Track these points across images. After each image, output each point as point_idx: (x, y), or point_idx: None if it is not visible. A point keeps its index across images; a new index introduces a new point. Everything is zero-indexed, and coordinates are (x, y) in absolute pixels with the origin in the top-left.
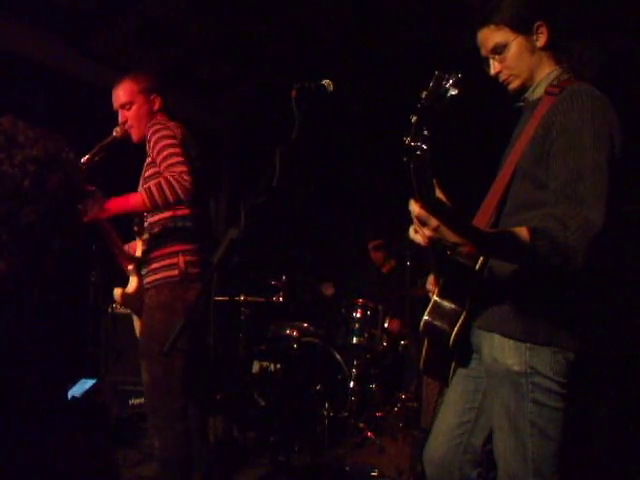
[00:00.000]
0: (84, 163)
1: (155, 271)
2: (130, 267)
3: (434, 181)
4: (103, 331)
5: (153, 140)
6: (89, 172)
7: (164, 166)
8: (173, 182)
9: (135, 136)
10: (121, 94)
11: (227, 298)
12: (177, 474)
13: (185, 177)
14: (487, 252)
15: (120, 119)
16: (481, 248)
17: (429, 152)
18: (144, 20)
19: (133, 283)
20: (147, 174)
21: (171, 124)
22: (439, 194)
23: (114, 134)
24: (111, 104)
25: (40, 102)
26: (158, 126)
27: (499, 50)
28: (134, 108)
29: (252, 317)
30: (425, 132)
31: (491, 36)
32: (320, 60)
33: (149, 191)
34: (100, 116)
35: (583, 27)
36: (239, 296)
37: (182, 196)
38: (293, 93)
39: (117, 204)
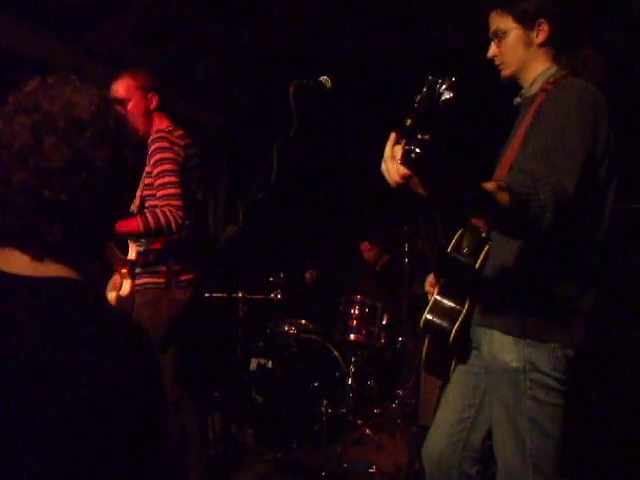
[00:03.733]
0: None
1: (143, 275)
2: (124, 270)
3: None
4: None
5: (155, 158)
6: None
7: (161, 194)
8: (169, 216)
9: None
10: (118, 90)
11: (225, 295)
12: (173, 466)
13: (180, 213)
14: (457, 207)
15: None
16: (451, 202)
17: (424, 156)
18: (142, 17)
19: (127, 286)
20: (146, 182)
21: (176, 138)
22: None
23: None
24: None
25: None
26: (164, 143)
27: (499, 35)
28: (130, 105)
29: (250, 314)
30: (419, 136)
31: (495, 20)
32: (319, 57)
33: (146, 219)
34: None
35: (588, 28)
36: (237, 293)
37: (174, 230)
38: (291, 90)
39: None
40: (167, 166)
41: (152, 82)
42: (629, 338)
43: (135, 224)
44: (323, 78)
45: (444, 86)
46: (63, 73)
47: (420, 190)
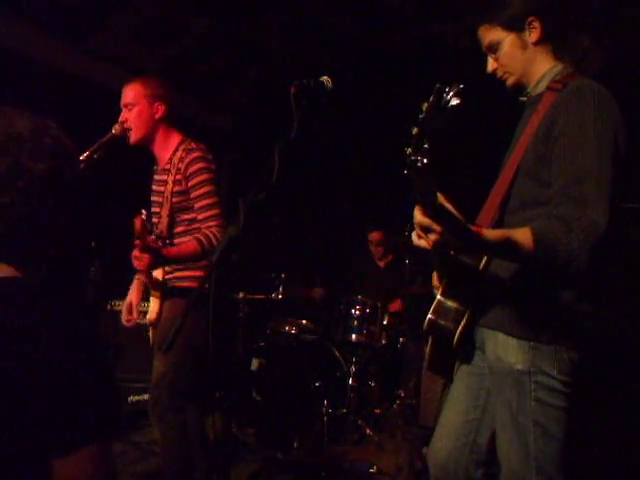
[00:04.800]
0: (83, 160)
1: (184, 279)
2: (156, 293)
3: (437, 191)
4: (101, 329)
5: (196, 180)
6: (88, 169)
7: (207, 214)
8: (219, 236)
9: (132, 138)
10: (127, 94)
11: (226, 295)
12: (178, 463)
13: (221, 231)
14: (490, 255)
15: (120, 117)
16: (484, 252)
17: (430, 165)
18: (143, 17)
19: (153, 309)
20: (175, 200)
21: (207, 154)
22: (443, 201)
23: (113, 132)
24: (110, 101)
25: (38, 99)
26: (204, 164)
27: (493, 48)
28: (135, 111)
29: (251, 314)
30: (426, 145)
31: (485, 35)
32: (319, 56)
33: (201, 243)
34: (99, 113)
35: (584, 19)
36: (238, 293)
37: None
38: (292, 90)
39: (174, 252)
40: (209, 187)
41: (163, 92)
42: (630, 338)
43: (192, 247)
44: (324, 78)
45: (451, 93)
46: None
47: (455, 243)
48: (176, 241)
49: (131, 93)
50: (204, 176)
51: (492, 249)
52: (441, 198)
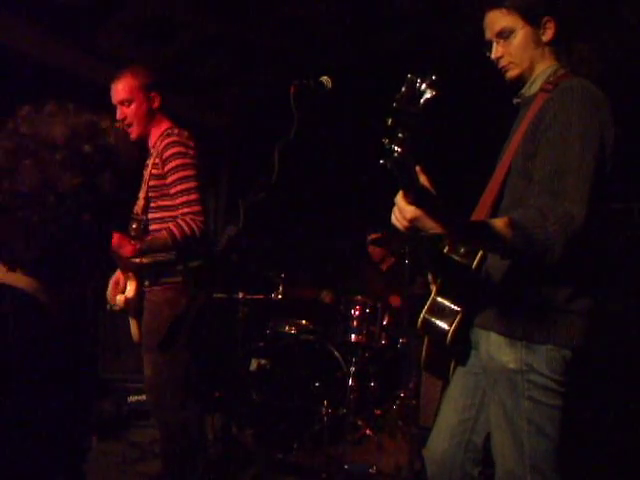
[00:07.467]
0: None
1: (160, 274)
2: (129, 272)
3: (417, 177)
4: (101, 329)
5: (172, 165)
6: None
7: (181, 200)
8: (192, 224)
9: (133, 134)
10: (120, 90)
11: (225, 295)
12: (180, 465)
13: (201, 217)
14: (465, 242)
15: (118, 115)
16: (462, 240)
17: (405, 154)
18: (143, 17)
19: (131, 288)
20: (152, 183)
21: (187, 140)
22: (424, 183)
23: None
24: (109, 101)
25: (37, 99)
26: (180, 148)
27: (505, 35)
28: (133, 106)
29: (250, 314)
30: (400, 135)
31: (500, 19)
32: (319, 57)
33: (172, 232)
34: (98, 113)
35: (585, 26)
36: (237, 293)
37: (197, 235)
38: (292, 90)
39: (147, 244)
40: (186, 172)
41: (153, 80)
42: (629, 338)
43: (162, 238)
44: (324, 78)
45: (424, 84)
46: (60, 102)
47: (429, 225)
48: (152, 227)
49: (124, 88)
50: (179, 161)
51: (470, 236)
52: (423, 179)
